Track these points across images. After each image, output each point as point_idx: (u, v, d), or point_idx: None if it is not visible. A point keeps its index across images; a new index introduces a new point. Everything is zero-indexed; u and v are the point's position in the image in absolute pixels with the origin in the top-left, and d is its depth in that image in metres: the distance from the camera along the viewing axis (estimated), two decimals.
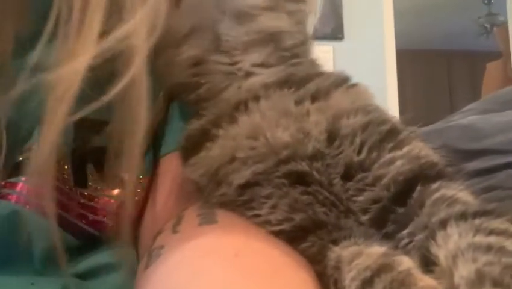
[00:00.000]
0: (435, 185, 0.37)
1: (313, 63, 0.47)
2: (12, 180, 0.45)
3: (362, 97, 0.43)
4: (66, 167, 0.47)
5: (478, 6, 4.89)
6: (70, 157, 0.47)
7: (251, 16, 0.42)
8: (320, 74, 0.45)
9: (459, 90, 5.62)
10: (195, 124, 0.44)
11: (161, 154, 0.52)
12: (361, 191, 0.38)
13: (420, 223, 0.35)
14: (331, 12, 3.31)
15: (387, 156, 0.38)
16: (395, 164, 0.38)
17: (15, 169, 0.45)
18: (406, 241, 0.36)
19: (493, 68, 2.85)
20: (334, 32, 3.08)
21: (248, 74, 0.43)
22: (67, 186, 0.47)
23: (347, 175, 0.38)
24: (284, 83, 0.42)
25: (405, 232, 0.36)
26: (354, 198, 0.37)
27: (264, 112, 0.41)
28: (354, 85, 0.44)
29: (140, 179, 0.51)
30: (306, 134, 0.39)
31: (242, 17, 0.41)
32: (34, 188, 0.44)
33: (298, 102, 0.41)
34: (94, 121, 0.48)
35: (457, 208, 0.35)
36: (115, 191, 0.49)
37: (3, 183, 0.45)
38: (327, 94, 0.42)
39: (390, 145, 0.39)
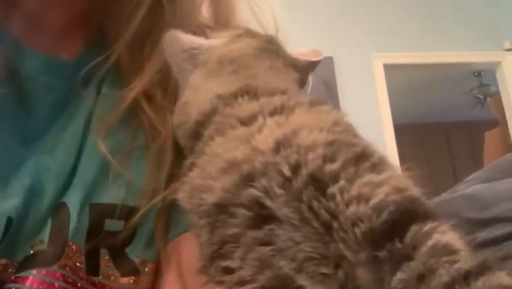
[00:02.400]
0: (426, 228, 0.33)
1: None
2: (22, 274, 0.44)
3: (330, 118, 0.40)
4: (79, 253, 0.46)
5: (469, 78, 5.02)
6: (84, 242, 0.47)
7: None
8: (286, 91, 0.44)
9: (460, 159, 5.64)
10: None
11: (167, 239, 0.52)
12: (347, 205, 0.34)
13: (415, 271, 0.31)
14: (327, 94, 3.41)
15: (368, 175, 0.35)
16: (381, 188, 0.34)
17: (25, 263, 0.45)
18: (399, 287, 0.31)
19: (491, 137, 2.88)
20: None
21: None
22: (79, 276, 0.46)
23: (320, 185, 0.35)
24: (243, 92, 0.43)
25: (398, 276, 0.32)
26: (342, 209, 0.34)
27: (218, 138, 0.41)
28: (323, 106, 0.42)
29: (148, 264, 0.50)
30: (254, 149, 0.38)
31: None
32: (44, 282, 0.44)
33: (250, 119, 0.40)
34: (108, 205, 0.48)
35: (458, 269, 0.31)
36: (125, 279, 0.48)
37: (13, 277, 0.44)
38: (291, 111, 0.40)
39: (367, 164, 0.36)
